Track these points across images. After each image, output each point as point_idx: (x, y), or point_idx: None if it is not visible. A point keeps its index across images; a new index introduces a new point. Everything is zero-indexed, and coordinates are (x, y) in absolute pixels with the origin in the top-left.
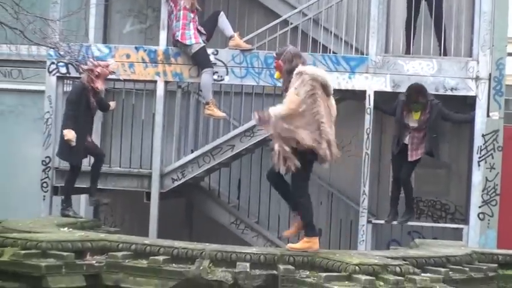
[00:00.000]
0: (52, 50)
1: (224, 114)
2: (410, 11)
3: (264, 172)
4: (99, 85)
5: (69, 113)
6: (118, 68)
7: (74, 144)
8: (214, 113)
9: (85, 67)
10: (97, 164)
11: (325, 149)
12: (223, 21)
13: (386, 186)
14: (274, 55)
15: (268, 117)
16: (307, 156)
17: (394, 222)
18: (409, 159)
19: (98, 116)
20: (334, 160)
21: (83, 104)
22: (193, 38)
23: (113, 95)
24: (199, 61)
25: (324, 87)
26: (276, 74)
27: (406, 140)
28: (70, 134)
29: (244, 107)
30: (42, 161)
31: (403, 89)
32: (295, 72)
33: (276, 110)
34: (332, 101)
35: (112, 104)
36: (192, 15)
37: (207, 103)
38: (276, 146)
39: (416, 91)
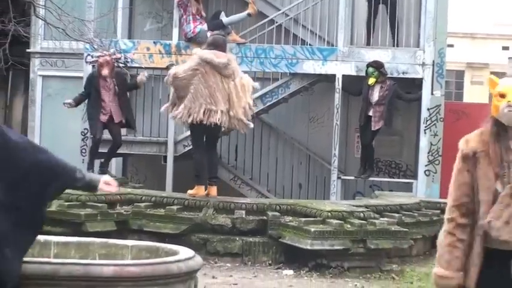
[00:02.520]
0: (88, 44)
1: (244, 40)
2: (370, 11)
3: (256, 140)
4: (105, 72)
5: (80, 93)
6: (139, 59)
7: (67, 106)
8: (237, 39)
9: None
10: (112, 148)
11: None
12: (228, 18)
13: (352, 150)
14: None
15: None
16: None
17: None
18: (373, 128)
19: None
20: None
21: (92, 89)
22: (199, 27)
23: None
24: (215, 25)
25: (212, 66)
26: None
27: (370, 113)
28: (67, 101)
29: None
30: (81, 132)
31: (364, 73)
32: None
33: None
34: (233, 80)
35: (140, 78)
36: (198, 17)
37: (229, 33)
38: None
39: (371, 61)
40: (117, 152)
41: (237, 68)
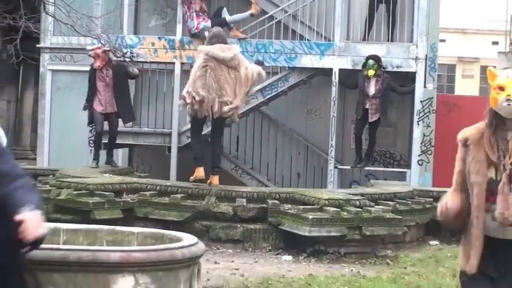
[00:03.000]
0: (95, 40)
1: (245, 35)
2: (372, 9)
3: (256, 131)
4: (96, 64)
5: (88, 90)
6: (144, 54)
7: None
8: (238, 35)
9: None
10: (110, 139)
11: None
12: (231, 16)
13: (348, 141)
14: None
15: None
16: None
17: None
18: (369, 120)
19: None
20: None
21: (91, 82)
22: (203, 23)
23: (142, 73)
24: (218, 23)
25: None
26: None
27: (367, 105)
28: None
29: None
30: (91, 126)
31: (360, 67)
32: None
33: None
34: (238, 70)
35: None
36: (201, 13)
37: (231, 29)
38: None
39: (372, 54)
40: (124, 143)
41: (241, 58)
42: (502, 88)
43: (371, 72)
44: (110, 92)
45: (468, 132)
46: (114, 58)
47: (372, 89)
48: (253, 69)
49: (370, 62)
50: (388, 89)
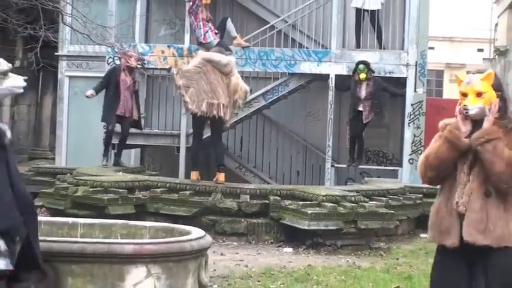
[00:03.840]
0: (109, 48)
1: (248, 44)
2: (358, 18)
3: (259, 132)
4: (133, 63)
5: (99, 82)
6: (155, 61)
7: (90, 97)
8: (242, 43)
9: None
10: (120, 140)
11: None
12: (230, 25)
13: (344, 141)
14: None
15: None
16: None
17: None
18: (364, 121)
19: (141, 94)
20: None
21: (112, 83)
22: (211, 37)
23: (152, 79)
24: (222, 45)
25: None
26: None
27: (360, 108)
28: (89, 92)
29: None
30: (103, 125)
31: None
32: None
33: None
34: (230, 78)
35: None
36: (208, 23)
37: (235, 37)
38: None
39: (362, 60)
40: (136, 143)
41: (235, 70)
42: (464, 94)
43: (362, 76)
44: (132, 99)
45: (447, 121)
46: (140, 67)
47: (363, 93)
48: (243, 85)
49: (361, 66)
50: (379, 89)
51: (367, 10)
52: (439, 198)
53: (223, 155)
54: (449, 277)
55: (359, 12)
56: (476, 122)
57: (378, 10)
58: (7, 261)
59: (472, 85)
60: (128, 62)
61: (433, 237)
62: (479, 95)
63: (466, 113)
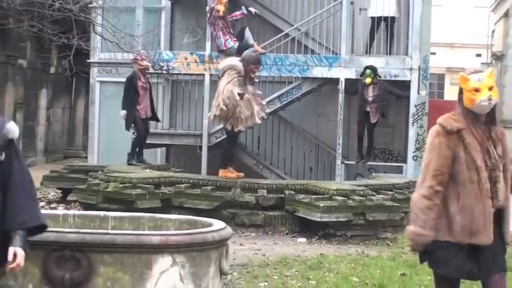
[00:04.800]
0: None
1: (264, 50)
2: (373, 26)
3: (275, 132)
4: (144, 63)
5: (123, 96)
6: (178, 67)
7: (123, 118)
8: (259, 50)
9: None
10: (135, 139)
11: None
12: (248, 34)
13: (353, 140)
14: None
15: None
16: None
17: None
18: (371, 121)
19: (166, 98)
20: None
21: (131, 89)
22: (231, 43)
23: (177, 84)
24: (243, 48)
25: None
26: None
27: (368, 109)
28: (122, 114)
29: (261, 89)
30: (132, 126)
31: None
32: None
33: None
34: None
35: None
36: (226, 31)
37: (252, 45)
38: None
39: (369, 65)
40: (161, 143)
41: (227, 75)
42: (477, 90)
43: (368, 80)
44: (149, 99)
45: (454, 122)
46: (165, 72)
47: (370, 95)
48: (229, 88)
49: (368, 71)
50: (385, 91)
51: (384, 18)
52: (453, 201)
53: (222, 155)
54: (454, 256)
55: (374, 20)
56: (488, 113)
57: (395, 17)
58: None
59: (484, 81)
60: (140, 65)
61: (462, 238)
62: (490, 89)
63: (490, 102)
